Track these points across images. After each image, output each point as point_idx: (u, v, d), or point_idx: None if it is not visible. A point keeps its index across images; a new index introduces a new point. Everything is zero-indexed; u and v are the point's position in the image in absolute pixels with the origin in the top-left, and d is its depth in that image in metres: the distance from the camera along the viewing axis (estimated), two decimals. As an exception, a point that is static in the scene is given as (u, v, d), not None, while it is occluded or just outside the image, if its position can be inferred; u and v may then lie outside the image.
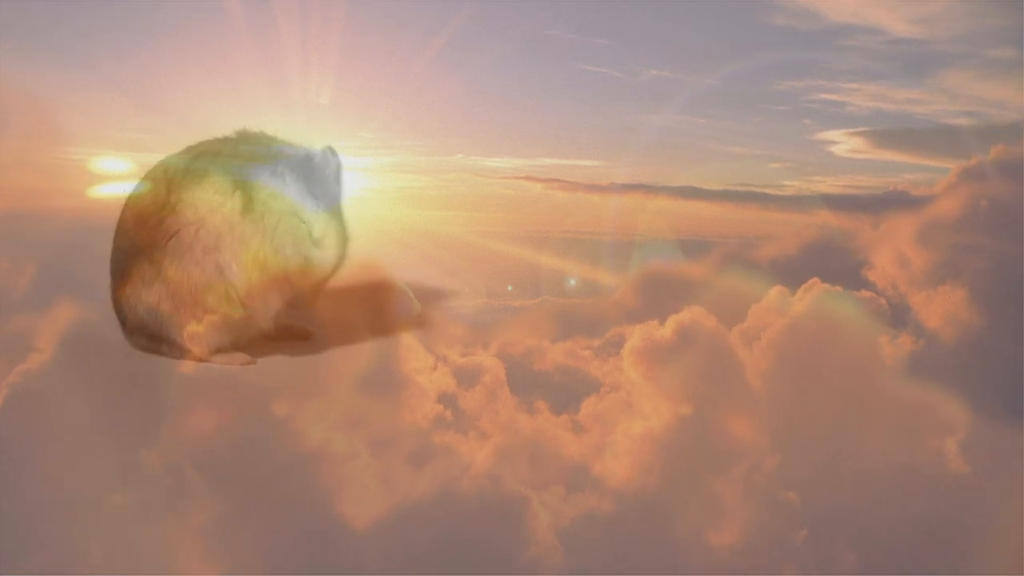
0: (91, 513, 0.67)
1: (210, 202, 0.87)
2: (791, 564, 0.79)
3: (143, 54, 1.66)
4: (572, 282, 1.54)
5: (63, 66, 1.62)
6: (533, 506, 0.77)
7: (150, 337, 0.91)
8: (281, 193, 0.90)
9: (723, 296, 1.20)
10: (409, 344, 1.06)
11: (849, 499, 0.87)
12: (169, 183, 0.88)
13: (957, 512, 0.87)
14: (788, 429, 0.95)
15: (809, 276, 1.20)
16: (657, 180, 1.83)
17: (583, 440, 0.93)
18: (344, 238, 0.97)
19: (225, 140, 0.94)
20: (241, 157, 0.90)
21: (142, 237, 0.88)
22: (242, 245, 0.87)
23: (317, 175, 0.93)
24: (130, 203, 0.92)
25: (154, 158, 0.95)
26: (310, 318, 1.05)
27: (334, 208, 0.95)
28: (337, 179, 0.95)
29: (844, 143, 1.92)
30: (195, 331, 0.89)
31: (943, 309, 1.27)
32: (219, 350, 0.92)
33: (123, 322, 0.93)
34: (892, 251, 1.39)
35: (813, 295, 1.16)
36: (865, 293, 1.28)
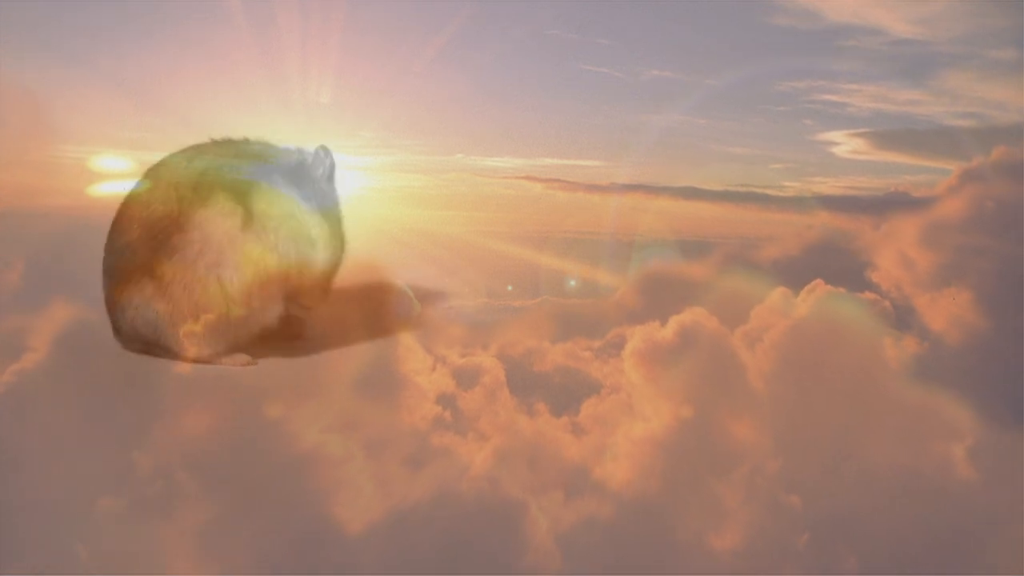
0: (81, 515, 0.67)
1: (215, 221, 0.87)
2: (793, 568, 0.78)
3: (143, 52, 1.66)
4: (572, 283, 1.54)
5: (63, 64, 1.62)
6: (531, 511, 0.76)
7: (146, 343, 0.91)
8: (278, 200, 0.90)
9: (725, 297, 1.19)
10: (408, 344, 1.06)
11: (852, 503, 0.86)
12: (180, 199, 0.88)
13: (963, 519, 0.86)
14: (791, 432, 0.95)
15: (812, 277, 1.20)
16: (658, 180, 1.83)
17: (583, 442, 0.92)
18: (342, 237, 0.96)
19: (224, 145, 0.93)
20: (239, 166, 0.89)
21: (145, 247, 0.88)
22: (244, 258, 0.87)
23: (310, 178, 0.92)
24: (132, 205, 0.91)
25: (154, 157, 0.95)
26: (307, 318, 1.04)
27: (330, 207, 0.94)
28: (330, 179, 0.95)
29: (845, 144, 1.92)
30: (193, 332, 0.89)
31: (948, 311, 1.26)
32: (220, 352, 0.91)
33: (116, 326, 0.92)
34: (896, 253, 1.38)
35: (816, 296, 1.16)
36: (869, 295, 1.27)
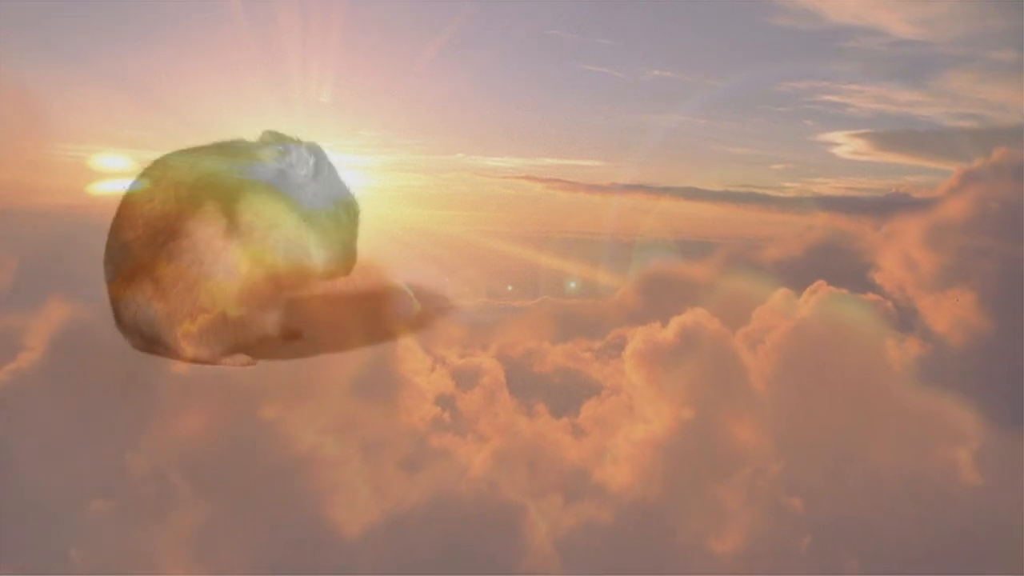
0: (73, 517, 0.66)
1: (205, 228, 0.87)
2: (794, 571, 0.78)
3: (143, 51, 1.66)
4: (572, 285, 1.53)
5: (62, 62, 1.62)
6: (531, 514, 0.75)
7: (146, 339, 0.91)
8: (264, 208, 0.88)
9: (727, 298, 1.19)
10: (407, 345, 1.05)
11: (855, 506, 0.86)
12: (178, 201, 0.88)
13: (966, 522, 0.85)
14: (792, 434, 0.94)
15: (814, 278, 1.19)
16: (658, 181, 1.82)
17: (583, 444, 0.92)
18: (344, 234, 0.94)
19: (225, 147, 0.92)
20: (232, 171, 0.89)
21: (145, 247, 0.88)
22: (234, 265, 0.87)
23: (294, 182, 0.90)
24: (135, 202, 0.91)
25: (153, 156, 0.94)
26: (305, 318, 1.04)
27: (324, 207, 0.92)
28: (318, 177, 0.91)
29: (846, 145, 1.92)
30: (191, 332, 0.88)
31: (951, 313, 1.25)
32: (218, 353, 0.91)
33: (118, 320, 0.92)
34: (899, 254, 1.38)
35: (818, 298, 1.15)
36: (872, 296, 1.27)
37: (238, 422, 0.81)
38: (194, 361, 0.91)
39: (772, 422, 0.95)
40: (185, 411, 0.82)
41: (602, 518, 0.79)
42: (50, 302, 1.04)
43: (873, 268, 1.38)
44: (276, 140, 0.92)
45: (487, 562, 0.70)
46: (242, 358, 0.93)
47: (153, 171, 0.92)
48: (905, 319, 1.26)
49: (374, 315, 1.13)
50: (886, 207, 1.71)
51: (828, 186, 1.95)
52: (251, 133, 0.97)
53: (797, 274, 1.27)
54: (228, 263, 0.87)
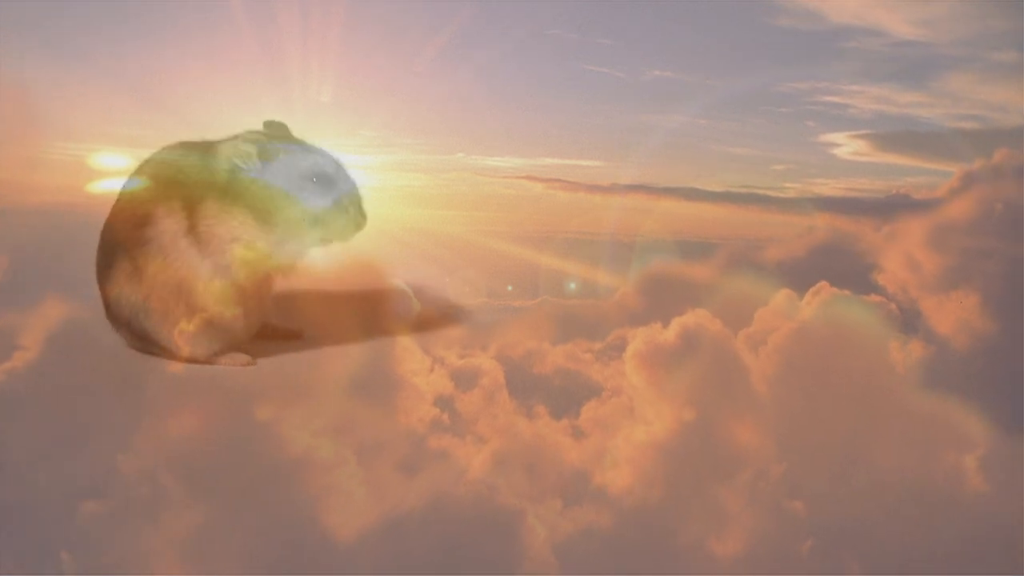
0: (64, 519, 0.65)
1: (169, 229, 0.86)
2: (796, 575, 0.77)
3: (143, 50, 1.66)
4: (572, 286, 1.52)
5: (62, 61, 1.61)
6: (529, 518, 0.75)
7: (139, 338, 0.90)
8: (218, 212, 0.85)
9: (728, 299, 1.18)
10: (405, 345, 1.05)
11: (857, 510, 0.85)
12: (153, 201, 0.87)
13: (969, 526, 0.85)
14: (795, 436, 0.93)
15: (817, 279, 1.18)
16: (659, 181, 1.82)
17: (583, 446, 0.91)
18: (316, 208, 0.86)
19: (205, 145, 0.91)
20: (199, 170, 0.86)
21: (128, 247, 0.88)
22: (201, 268, 0.86)
23: (243, 186, 0.84)
24: (120, 201, 0.91)
25: (164, 147, 0.94)
26: (304, 317, 1.03)
27: (283, 193, 0.84)
28: (267, 166, 0.85)
29: (846, 146, 1.91)
30: (184, 332, 0.88)
31: (955, 315, 1.25)
32: (216, 352, 0.90)
33: (112, 319, 0.91)
34: (902, 255, 1.37)
35: (821, 299, 1.14)
36: (875, 297, 1.26)
37: (233, 423, 0.81)
38: (190, 361, 0.91)
39: (774, 424, 0.94)
40: (179, 411, 0.81)
41: (601, 521, 0.78)
42: (47, 301, 1.03)
43: (876, 269, 1.38)
44: (247, 136, 0.88)
45: (485, 567, 0.69)
46: (242, 358, 0.92)
47: (142, 169, 0.91)
48: (908, 321, 1.25)
49: (373, 315, 1.12)
50: (887, 208, 1.70)
51: (829, 187, 1.95)
52: (259, 125, 0.95)
53: (799, 275, 1.27)
54: (194, 264, 0.86)
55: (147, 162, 0.92)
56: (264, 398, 0.85)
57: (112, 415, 0.81)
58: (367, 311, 1.13)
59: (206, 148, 0.88)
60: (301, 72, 1.55)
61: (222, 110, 1.55)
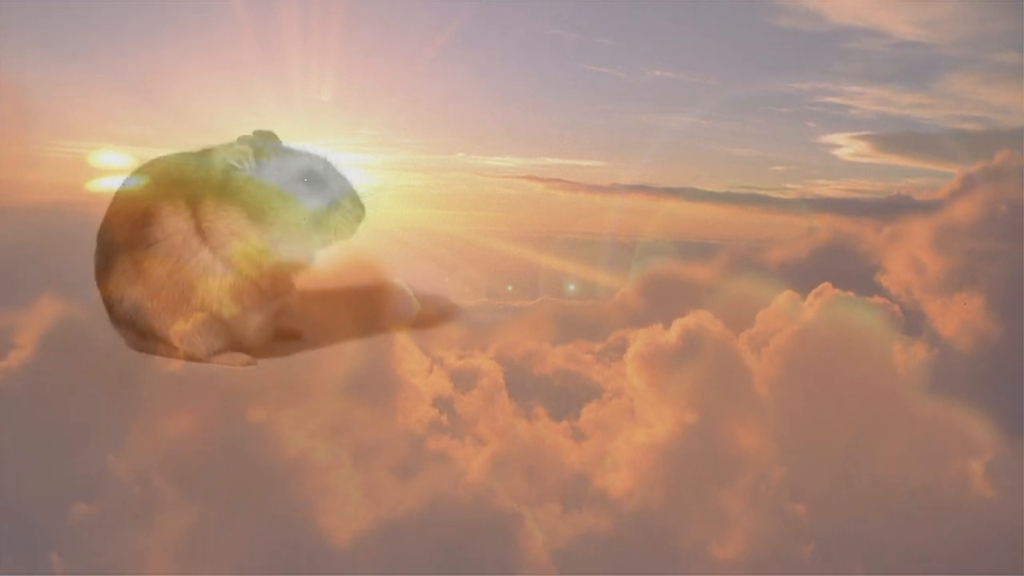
0: (56, 520, 0.64)
1: (176, 228, 0.85)
2: (797, 578, 0.76)
3: (143, 49, 1.65)
4: (572, 287, 1.52)
5: (62, 60, 1.61)
6: (527, 523, 0.74)
7: (140, 335, 0.90)
8: (218, 212, 0.84)
9: (730, 300, 1.17)
10: (404, 345, 1.04)
11: (860, 513, 0.84)
12: (156, 199, 0.86)
13: (970, 528, 0.84)
14: (797, 439, 0.93)
15: (820, 281, 1.18)
16: (659, 181, 1.81)
17: (583, 448, 0.91)
18: (310, 208, 0.85)
19: (207, 150, 0.90)
20: (203, 172, 0.86)
21: (126, 235, 0.87)
22: (207, 267, 0.85)
23: (237, 185, 0.84)
24: (119, 200, 0.90)
25: (153, 153, 0.94)
26: (300, 317, 1.02)
27: (279, 194, 0.84)
28: (263, 170, 0.84)
29: (847, 147, 1.90)
30: (183, 331, 0.87)
31: (959, 317, 1.24)
32: (218, 350, 0.90)
33: (112, 317, 0.91)
34: (906, 256, 1.36)
35: (824, 300, 1.14)
36: (878, 299, 1.25)
37: (229, 423, 0.80)
38: (190, 359, 0.90)
39: (776, 426, 0.94)
40: (174, 411, 0.80)
41: (601, 526, 0.77)
42: (44, 299, 1.02)
43: (879, 271, 1.37)
44: (244, 137, 0.88)
45: (482, 572, 0.68)
46: (242, 357, 0.92)
47: (143, 169, 0.91)
48: (912, 323, 1.24)
49: (373, 315, 1.12)
50: (888, 209, 1.70)
51: (829, 188, 1.94)
52: (251, 131, 0.95)
53: (802, 276, 1.26)
54: (206, 262, 0.86)
55: (145, 164, 0.92)
56: (261, 398, 0.84)
57: (107, 415, 0.80)
58: (367, 311, 1.12)
59: (203, 152, 0.89)
60: (301, 71, 1.54)
61: (222, 109, 1.54)
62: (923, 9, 1.81)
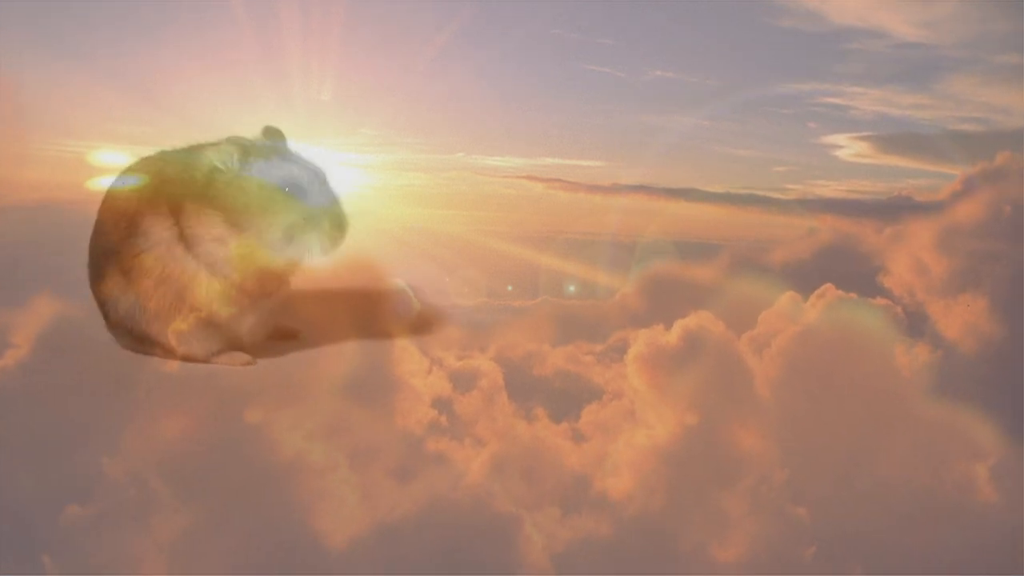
0: (47, 521, 0.64)
1: (158, 231, 0.85)
2: (799, 581, 0.76)
3: (144, 48, 1.65)
4: (571, 288, 1.51)
5: (63, 59, 1.61)
6: (526, 527, 0.73)
7: (135, 340, 0.89)
8: (200, 216, 0.83)
9: (732, 301, 1.17)
10: (403, 346, 1.03)
11: (862, 516, 0.84)
12: (141, 201, 0.86)
13: (976, 532, 0.83)
14: (799, 441, 0.92)
15: (822, 282, 1.17)
16: (659, 182, 1.81)
17: (583, 449, 0.90)
18: (302, 239, 0.84)
19: (196, 148, 0.89)
20: (188, 174, 0.85)
21: (116, 240, 0.87)
22: (189, 267, 0.85)
23: (221, 188, 0.82)
24: (109, 200, 0.89)
25: (153, 151, 0.93)
26: (302, 317, 1.02)
27: (263, 198, 0.82)
28: (248, 171, 0.83)
29: (848, 147, 1.90)
30: (179, 331, 0.87)
31: (962, 319, 1.23)
32: (213, 351, 0.89)
33: (107, 319, 0.91)
34: (909, 257, 1.36)
35: (826, 301, 1.13)
36: (881, 300, 1.24)
37: (226, 424, 0.79)
38: (188, 360, 0.90)
39: (778, 428, 0.93)
40: (170, 412, 0.80)
41: (601, 530, 0.77)
42: (41, 298, 1.02)
43: (882, 272, 1.36)
44: (232, 139, 0.86)
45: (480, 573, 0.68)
46: (242, 357, 0.91)
47: (132, 169, 0.91)
48: (915, 324, 1.23)
49: (373, 314, 1.11)
50: (889, 210, 1.70)
51: (830, 189, 1.94)
52: (251, 130, 0.94)
53: (804, 277, 1.25)
54: (189, 267, 0.85)
55: (135, 163, 0.91)
56: (258, 399, 0.83)
57: (103, 415, 0.79)
58: (366, 310, 1.12)
59: (194, 150, 0.87)
60: (301, 70, 1.54)
61: (222, 108, 1.54)
62: (924, 10, 1.81)
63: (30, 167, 1.56)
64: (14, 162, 1.54)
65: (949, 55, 1.82)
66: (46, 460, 0.71)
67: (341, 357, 0.99)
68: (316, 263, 0.86)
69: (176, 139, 0.93)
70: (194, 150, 0.87)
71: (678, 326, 1.06)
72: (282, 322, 1.01)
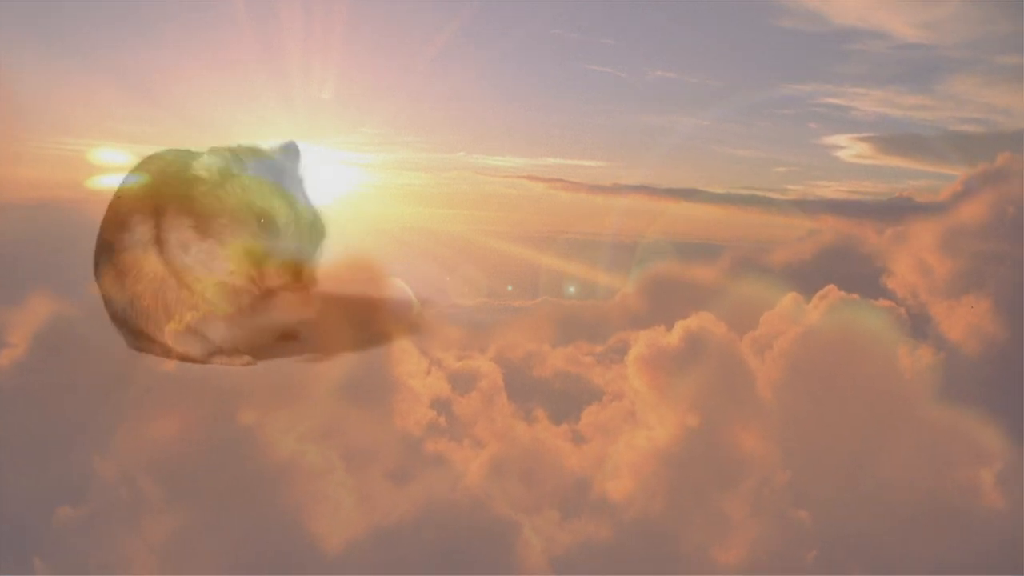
0: (38, 522, 0.63)
1: (140, 232, 0.85)
2: (800, 584, 0.75)
3: (144, 46, 1.65)
4: (571, 290, 1.51)
5: (62, 57, 1.61)
6: (525, 531, 0.72)
7: (137, 337, 0.89)
8: (179, 227, 0.82)
9: (734, 302, 1.16)
10: (402, 346, 1.03)
11: (864, 519, 0.83)
12: (138, 194, 0.86)
13: (977, 534, 0.83)
14: (800, 444, 0.91)
15: (824, 283, 1.16)
16: (660, 182, 1.81)
17: (583, 451, 0.89)
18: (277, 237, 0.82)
19: (189, 157, 0.89)
20: (170, 179, 0.86)
21: (111, 237, 0.87)
22: (155, 279, 0.84)
23: (201, 191, 0.82)
24: (114, 197, 0.90)
25: (153, 150, 0.93)
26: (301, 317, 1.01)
27: (240, 210, 0.82)
28: (226, 180, 0.82)
29: (849, 148, 1.90)
30: (175, 330, 0.87)
31: (966, 320, 1.23)
32: (210, 352, 0.89)
33: (111, 316, 0.91)
34: (912, 259, 1.35)
35: (829, 303, 1.13)
36: (884, 302, 1.23)
37: (219, 425, 0.79)
38: (187, 360, 0.89)
39: (779, 431, 0.92)
40: (165, 412, 0.79)
41: (600, 533, 0.76)
42: (37, 297, 1.02)
43: (885, 273, 1.36)
44: (217, 149, 0.86)
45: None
46: (242, 357, 0.91)
47: (140, 167, 0.91)
48: (918, 326, 1.23)
49: (372, 314, 1.11)
50: (890, 211, 1.69)
51: (831, 189, 1.93)
52: (251, 129, 0.94)
53: (806, 278, 1.25)
54: (156, 275, 0.85)
55: (144, 160, 0.92)
56: (253, 399, 0.83)
57: (98, 415, 0.79)
58: (366, 310, 1.11)
59: (193, 155, 0.88)
60: (302, 69, 1.53)
61: (222, 107, 1.54)
62: (925, 11, 1.81)
63: (29, 165, 1.56)
64: (13, 160, 1.54)
65: (950, 56, 1.82)
66: (39, 461, 0.70)
67: (340, 358, 0.98)
68: (298, 266, 0.85)
69: (176, 138, 0.93)
70: (193, 154, 0.88)
71: (679, 327, 1.06)
72: (280, 322, 1.00)
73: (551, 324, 1.27)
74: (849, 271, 1.43)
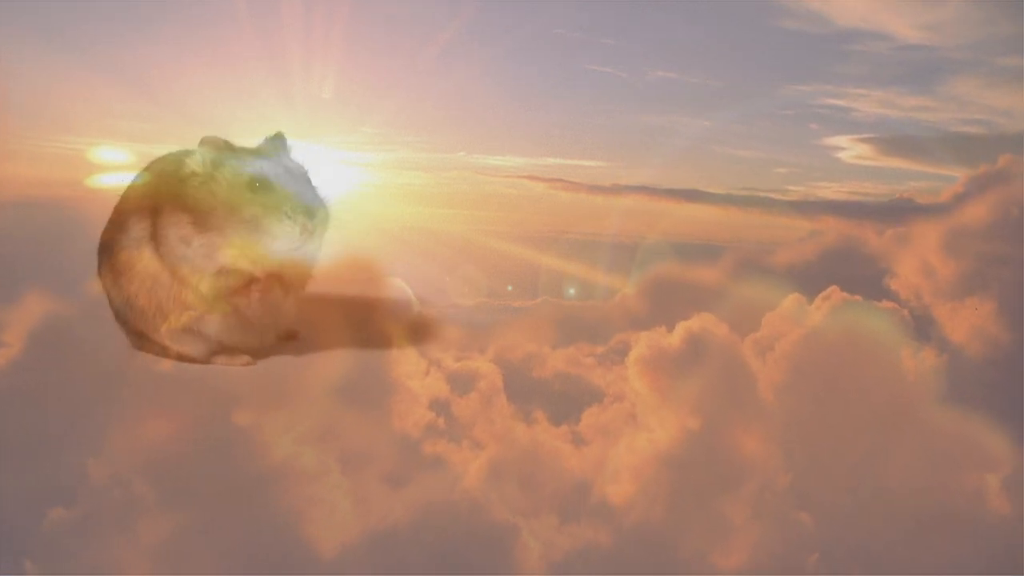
0: (30, 526, 0.63)
1: (136, 230, 0.86)
2: (801, 588, 0.75)
3: (144, 44, 1.65)
4: (571, 291, 1.50)
5: (62, 55, 1.60)
6: (523, 535, 0.72)
7: (139, 337, 0.89)
8: (176, 222, 0.83)
9: (736, 303, 1.16)
10: (401, 347, 1.02)
11: (866, 523, 0.83)
12: (135, 195, 0.87)
13: (978, 535, 0.82)
14: (803, 446, 0.91)
15: (827, 284, 1.16)
16: (661, 182, 1.80)
17: (583, 453, 0.89)
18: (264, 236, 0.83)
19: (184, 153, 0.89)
20: (164, 178, 0.85)
21: (110, 236, 0.89)
22: (148, 277, 0.85)
23: (193, 185, 0.83)
24: (123, 198, 0.90)
25: (152, 149, 0.94)
26: (299, 317, 1.01)
27: (230, 219, 0.82)
28: (216, 175, 0.83)
29: (850, 149, 1.90)
30: (174, 330, 0.87)
31: (969, 322, 1.22)
32: (208, 351, 0.89)
33: (115, 316, 0.91)
34: (915, 260, 1.34)
35: (831, 304, 1.12)
36: (887, 303, 1.23)
37: (214, 426, 0.78)
38: (186, 360, 0.89)
39: (781, 433, 0.92)
40: (159, 413, 0.79)
41: (600, 538, 0.76)
42: (34, 295, 1.01)
43: (889, 274, 1.35)
44: (207, 140, 0.85)
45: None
46: (241, 357, 0.91)
47: (147, 168, 0.91)
48: (921, 328, 1.22)
49: (372, 314, 1.10)
50: (891, 212, 1.69)
51: (832, 190, 1.93)
52: (251, 127, 0.94)
53: (808, 279, 1.24)
54: (158, 268, 0.85)
55: (153, 161, 0.92)
56: (248, 400, 0.82)
57: (92, 416, 0.78)
58: (365, 310, 1.11)
59: (186, 152, 0.88)
60: (303, 68, 1.53)
61: (222, 105, 1.53)
62: (927, 12, 1.80)
63: (29, 163, 1.56)
64: (12, 158, 1.53)
65: (952, 57, 1.81)
66: (31, 461, 0.70)
67: (339, 358, 0.98)
68: (295, 255, 0.85)
69: (177, 136, 0.93)
70: (190, 152, 0.88)
71: (680, 328, 1.05)
72: (280, 322, 1.00)
73: (551, 325, 1.26)
74: (852, 272, 1.43)
